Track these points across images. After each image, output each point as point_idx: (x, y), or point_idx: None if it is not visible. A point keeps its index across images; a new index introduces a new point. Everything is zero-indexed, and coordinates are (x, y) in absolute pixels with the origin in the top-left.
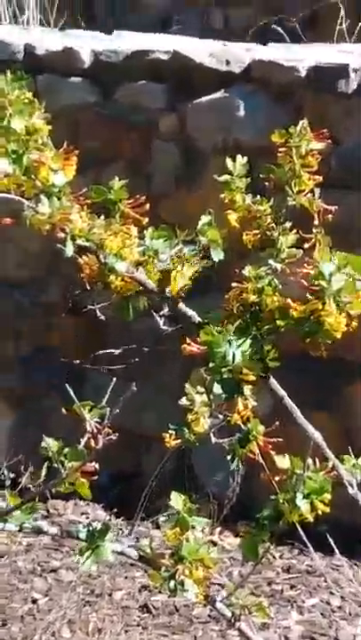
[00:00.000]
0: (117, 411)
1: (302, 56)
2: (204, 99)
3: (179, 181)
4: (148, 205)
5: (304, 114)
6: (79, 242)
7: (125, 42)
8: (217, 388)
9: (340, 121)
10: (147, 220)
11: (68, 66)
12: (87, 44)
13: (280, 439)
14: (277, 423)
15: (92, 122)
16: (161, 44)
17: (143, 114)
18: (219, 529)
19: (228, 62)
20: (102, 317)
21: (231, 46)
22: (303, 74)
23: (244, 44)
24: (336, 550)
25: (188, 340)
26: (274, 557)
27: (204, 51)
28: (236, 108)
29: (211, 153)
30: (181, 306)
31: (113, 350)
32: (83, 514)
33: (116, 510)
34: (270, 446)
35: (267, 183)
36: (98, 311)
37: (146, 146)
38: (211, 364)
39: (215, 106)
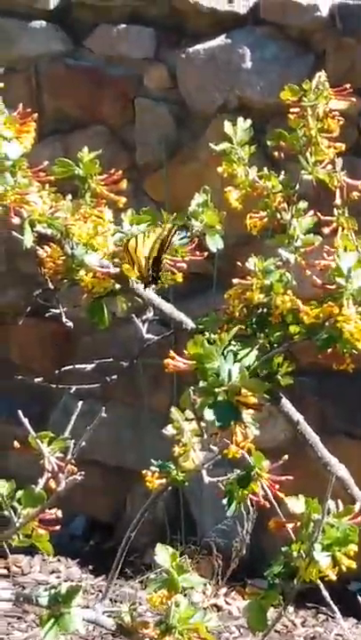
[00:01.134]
0: (84, 443)
1: None
2: (200, 46)
3: (169, 151)
4: (125, 182)
5: (327, 65)
6: (40, 228)
7: None
8: (209, 414)
9: None
10: (124, 200)
11: (28, 6)
12: None
13: (290, 477)
14: (286, 457)
15: (59, 76)
16: None
17: (123, 65)
18: (224, 589)
19: (230, 0)
20: (69, 324)
21: None
22: (326, 14)
23: None
24: None
25: (171, 354)
26: (294, 625)
27: None
28: (241, 59)
29: (209, 115)
30: (169, 307)
31: (84, 365)
32: (53, 572)
33: (93, 567)
34: (278, 486)
35: (276, 153)
36: (65, 316)
37: (127, 106)
38: (201, 384)
39: (214, 55)
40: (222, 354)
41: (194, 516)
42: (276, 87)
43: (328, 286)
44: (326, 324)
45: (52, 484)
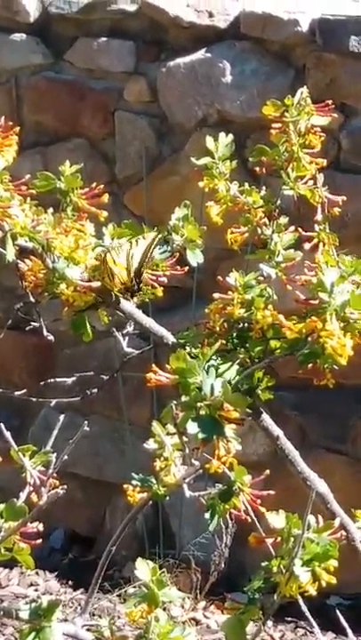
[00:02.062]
0: (65, 457)
1: (305, 6)
2: (180, 60)
3: (149, 164)
4: (107, 196)
5: (307, 80)
6: (21, 242)
7: None
8: (191, 428)
9: (352, 88)
10: (106, 214)
11: (8, 19)
12: None
13: (271, 492)
14: (268, 472)
15: (40, 89)
16: None
17: (104, 79)
18: (203, 603)
19: (210, 15)
20: (50, 337)
21: None
22: (306, 29)
23: None
24: (349, 631)
25: (154, 368)
26: (273, 639)
27: (179, 0)
28: (221, 73)
29: (189, 129)
30: (149, 321)
31: (65, 379)
32: (31, 585)
33: (72, 580)
34: (259, 500)
35: (257, 168)
36: (45, 329)
37: (107, 119)
38: (183, 398)
39: (195, 69)
40: (205, 368)
41: (173, 529)
42: (256, 102)
43: (311, 301)
44: (309, 339)
45: (34, 497)
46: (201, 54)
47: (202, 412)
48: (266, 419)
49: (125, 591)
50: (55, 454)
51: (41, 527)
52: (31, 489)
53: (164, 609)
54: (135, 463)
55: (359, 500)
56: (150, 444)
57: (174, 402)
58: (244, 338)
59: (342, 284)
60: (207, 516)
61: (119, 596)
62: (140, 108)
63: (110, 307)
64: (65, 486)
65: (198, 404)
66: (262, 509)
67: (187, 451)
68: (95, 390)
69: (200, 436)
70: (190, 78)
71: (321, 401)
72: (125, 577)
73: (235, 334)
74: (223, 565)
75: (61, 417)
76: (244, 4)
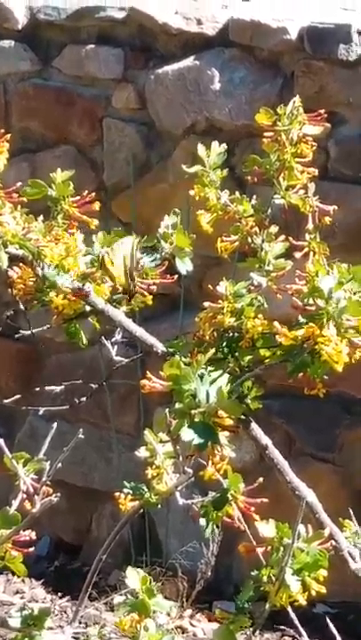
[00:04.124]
0: (60, 465)
1: (293, 14)
2: (168, 67)
3: (137, 171)
4: (97, 204)
5: (295, 87)
6: (11, 249)
7: None
8: (186, 435)
9: (340, 96)
10: (97, 222)
11: None
12: None
13: (265, 499)
14: (261, 479)
15: (28, 96)
16: None
17: (92, 86)
18: (189, 611)
19: (199, 22)
20: (41, 345)
21: (204, 2)
22: (295, 37)
23: None
24: (339, 638)
25: (148, 375)
26: None
27: (168, 7)
28: (209, 80)
29: (178, 136)
30: (139, 329)
31: (53, 387)
32: (17, 592)
33: (58, 587)
34: (253, 509)
35: (248, 177)
36: (27, 339)
37: (95, 126)
38: (177, 405)
39: (183, 76)
40: (199, 376)
41: (159, 537)
42: (244, 109)
43: (308, 307)
44: (305, 345)
45: (27, 504)
46: (190, 61)
47: (196, 419)
48: (255, 428)
49: (112, 599)
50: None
51: (33, 535)
52: (24, 496)
53: (152, 617)
54: (121, 471)
55: (345, 509)
56: (141, 452)
57: (168, 409)
58: (234, 347)
59: (340, 290)
60: (202, 522)
61: (106, 603)
62: (128, 115)
63: (99, 315)
64: (58, 494)
65: (193, 411)
66: (256, 517)
67: (180, 458)
68: (84, 399)
69: (195, 442)
70: (179, 85)
71: (308, 409)
72: (112, 585)
73: (224, 343)
74: (210, 573)
75: (54, 425)
76: (234, 11)
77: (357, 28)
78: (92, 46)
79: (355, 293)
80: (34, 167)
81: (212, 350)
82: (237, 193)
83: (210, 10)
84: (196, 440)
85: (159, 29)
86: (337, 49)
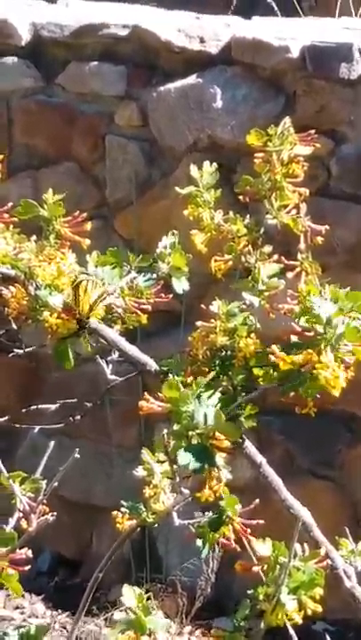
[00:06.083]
0: (56, 484)
1: (295, 33)
2: (171, 85)
3: (139, 189)
4: (90, 224)
5: (297, 106)
6: (3, 269)
7: (73, 13)
8: (183, 459)
9: (342, 114)
10: (89, 242)
11: (0, 43)
12: (25, 14)
13: (261, 521)
14: (257, 501)
15: (31, 113)
16: (118, 15)
17: (95, 103)
18: (189, 628)
19: (202, 40)
20: (33, 364)
21: (206, 20)
22: (296, 55)
23: (223, 17)
24: None
25: (146, 396)
26: None
27: (171, 25)
28: (212, 98)
29: (180, 153)
30: (132, 348)
31: (49, 406)
32: (17, 608)
33: (58, 603)
34: (249, 530)
35: (241, 197)
36: (30, 354)
37: (98, 143)
38: (175, 427)
39: (186, 94)
40: (196, 397)
41: (160, 553)
42: (246, 127)
43: (306, 333)
44: (302, 369)
45: (24, 523)
46: (192, 79)
47: (193, 441)
48: (249, 446)
49: (112, 615)
50: (45, 480)
51: (30, 553)
52: (20, 515)
53: (150, 634)
54: (122, 487)
55: (345, 526)
56: (139, 471)
57: (166, 430)
58: (227, 366)
59: (340, 316)
60: (199, 543)
61: (105, 619)
62: (130, 133)
63: (93, 334)
64: (54, 513)
65: (190, 433)
66: (251, 538)
67: (177, 479)
68: (78, 417)
69: (191, 467)
70: (181, 103)
71: (308, 426)
72: (112, 600)
73: (217, 362)
74: (210, 590)
75: (51, 443)
76: (236, 30)
77: (359, 47)
78: (95, 63)
79: (354, 319)
80: (37, 183)
81: (213, 373)
82: (239, 210)
83: (212, 28)
84: (193, 464)
85: (162, 47)
86: (338, 68)
